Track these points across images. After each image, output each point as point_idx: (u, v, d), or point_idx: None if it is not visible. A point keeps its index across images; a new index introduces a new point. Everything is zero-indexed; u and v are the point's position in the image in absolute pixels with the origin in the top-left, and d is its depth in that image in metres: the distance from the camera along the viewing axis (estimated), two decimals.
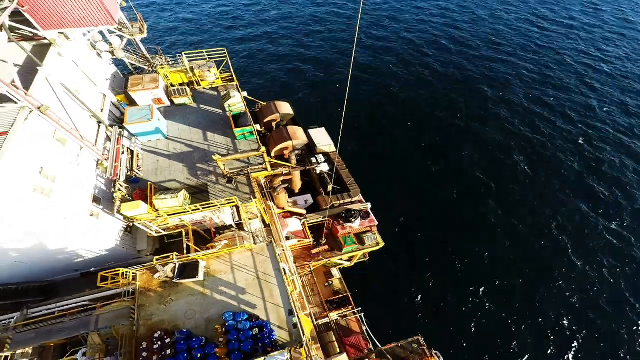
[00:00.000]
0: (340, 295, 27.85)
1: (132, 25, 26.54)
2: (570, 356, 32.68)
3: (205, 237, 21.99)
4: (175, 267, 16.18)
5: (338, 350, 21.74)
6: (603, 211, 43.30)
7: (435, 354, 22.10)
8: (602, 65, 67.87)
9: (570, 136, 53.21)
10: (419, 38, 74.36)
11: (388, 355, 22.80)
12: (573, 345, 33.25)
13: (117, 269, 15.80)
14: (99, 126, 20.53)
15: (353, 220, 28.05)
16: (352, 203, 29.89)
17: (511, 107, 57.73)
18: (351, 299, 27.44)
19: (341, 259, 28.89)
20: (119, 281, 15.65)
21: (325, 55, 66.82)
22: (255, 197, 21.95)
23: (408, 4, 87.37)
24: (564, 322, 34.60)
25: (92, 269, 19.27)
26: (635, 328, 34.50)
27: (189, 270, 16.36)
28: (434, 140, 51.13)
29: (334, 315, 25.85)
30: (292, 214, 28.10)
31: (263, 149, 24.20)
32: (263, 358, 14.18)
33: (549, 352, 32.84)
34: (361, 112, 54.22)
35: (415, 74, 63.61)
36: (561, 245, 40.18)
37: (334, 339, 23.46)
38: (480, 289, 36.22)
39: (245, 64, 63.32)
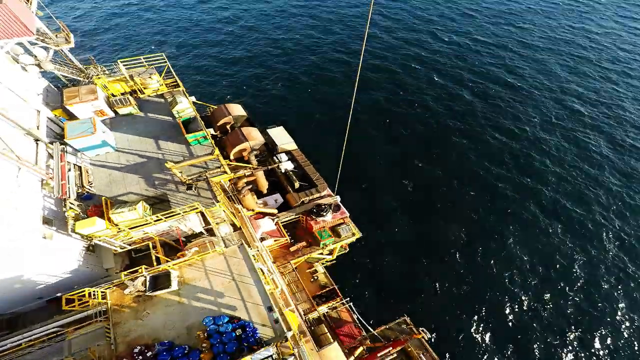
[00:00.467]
0: (328, 289, 28.57)
1: (57, 35, 25.67)
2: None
3: (175, 246, 21.79)
4: (146, 280, 16.07)
5: (331, 341, 22.29)
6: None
7: (422, 330, 23.49)
8: None
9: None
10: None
11: (380, 338, 23.84)
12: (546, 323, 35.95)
13: (82, 290, 15.40)
14: (37, 144, 19.76)
15: (324, 214, 28.90)
16: (322, 197, 30.61)
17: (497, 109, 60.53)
18: (338, 291, 28.19)
19: (322, 253, 29.62)
20: (88, 302, 15.25)
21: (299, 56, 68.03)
22: (218, 201, 21.98)
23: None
24: (538, 299, 37.34)
25: (59, 294, 18.56)
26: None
27: (161, 281, 16.35)
28: (406, 132, 53.30)
29: (323, 309, 26.60)
30: (263, 214, 28.37)
31: (217, 152, 24.22)
32: (249, 357, 14.51)
33: (524, 326, 35.23)
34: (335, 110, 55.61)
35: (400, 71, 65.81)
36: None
37: (326, 331, 24.04)
38: (457, 267, 38.44)
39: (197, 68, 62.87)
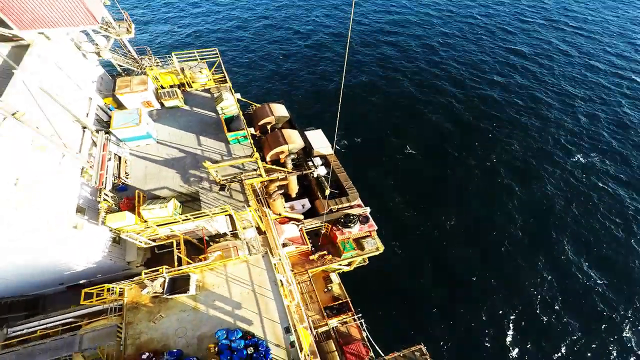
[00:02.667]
0: (340, 301, 27.16)
1: (119, 25, 25.52)
2: None
3: (198, 246, 21.09)
4: (165, 281, 15.32)
5: None
6: None
7: None
8: None
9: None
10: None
11: None
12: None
13: (102, 285, 14.89)
14: (84, 131, 19.53)
15: (352, 225, 27.38)
16: (351, 207, 29.20)
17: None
18: (351, 304, 26.71)
19: (340, 264, 28.19)
20: (105, 298, 14.72)
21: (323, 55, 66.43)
22: (249, 206, 20.99)
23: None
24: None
25: (80, 282, 18.36)
26: None
27: (179, 284, 15.56)
28: (435, 144, 50.64)
29: (333, 322, 25.13)
30: (289, 219, 27.30)
31: (257, 155, 23.19)
32: None
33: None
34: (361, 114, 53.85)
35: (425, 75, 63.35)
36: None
37: (334, 349, 22.74)
38: (487, 295, 35.61)
39: (242, 64, 62.52)
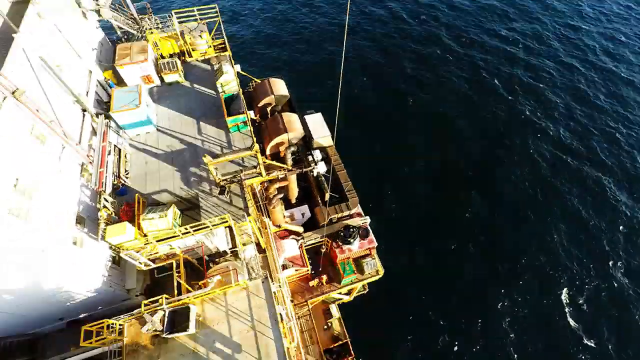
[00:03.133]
0: (340, 342, 27.82)
1: None
2: None
3: (198, 267, 21.48)
4: (164, 315, 15.80)
5: None
6: None
7: None
8: None
9: None
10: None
11: None
12: None
13: (101, 322, 15.12)
14: (84, 116, 18.67)
15: (352, 240, 28.04)
16: (351, 216, 29.82)
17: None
18: (351, 346, 27.36)
19: (340, 293, 29.12)
20: (105, 337, 15.03)
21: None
22: (249, 214, 21.36)
23: None
24: None
25: (80, 316, 18.20)
26: None
27: (179, 320, 16.03)
28: (437, 145, 51.60)
29: None
30: (289, 232, 27.83)
31: (257, 146, 23.09)
32: None
33: None
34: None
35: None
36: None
37: None
38: (499, 325, 36.88)
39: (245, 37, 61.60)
